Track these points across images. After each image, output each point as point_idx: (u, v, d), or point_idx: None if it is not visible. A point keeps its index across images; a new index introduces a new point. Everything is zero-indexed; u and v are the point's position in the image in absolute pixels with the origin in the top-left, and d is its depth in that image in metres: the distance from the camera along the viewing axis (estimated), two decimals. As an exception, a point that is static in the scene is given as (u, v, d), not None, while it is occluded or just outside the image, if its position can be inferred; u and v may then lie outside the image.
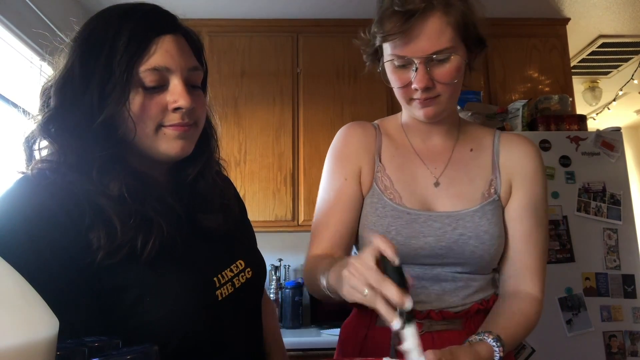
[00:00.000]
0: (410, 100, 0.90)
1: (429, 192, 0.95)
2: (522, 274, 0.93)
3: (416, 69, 0.84)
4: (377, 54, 0.93)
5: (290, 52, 2.75)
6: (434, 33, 0.83)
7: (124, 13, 0.70)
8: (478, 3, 0.89)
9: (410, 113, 0.95)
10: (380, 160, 0.98)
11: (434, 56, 0.84)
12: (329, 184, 0.98)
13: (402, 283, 0.61)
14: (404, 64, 0.86)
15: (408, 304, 0.60)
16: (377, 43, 0.89)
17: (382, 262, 0.64)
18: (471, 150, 0.99)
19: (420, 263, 0.92)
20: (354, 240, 0.98)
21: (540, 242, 0.95)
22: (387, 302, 0.61)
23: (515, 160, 0.97)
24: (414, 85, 0.86)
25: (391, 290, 0.60)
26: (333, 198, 0.96)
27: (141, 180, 0.70)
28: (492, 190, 0.95)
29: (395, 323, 0.60)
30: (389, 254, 0.64)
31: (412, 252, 0.91)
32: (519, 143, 0.98)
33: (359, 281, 0.63)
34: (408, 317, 0.60)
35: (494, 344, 0.77)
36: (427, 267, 0.92)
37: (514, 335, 0.83)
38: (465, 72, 0.92)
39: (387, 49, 0.87)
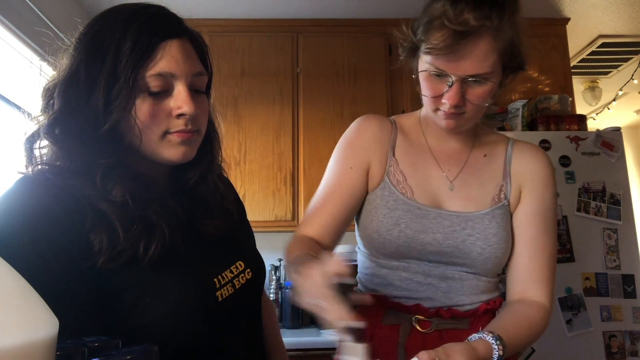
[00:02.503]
0: (436, 109, 0.90)
1: (441, 192, 0.96)
2: (529, 281, 0.93)
3: (451, 84, 0.84)
4: (415, 51, 0.92)
5: (290, 52, 2.74)
6: (479, 57, 0.82)
7: (130, 15, 0.68)
8: (527, 27, 0.89)
9: (432, 118, 0.95)
10: (394, 155, 0.98)
11: (473, 78, 0.84)
12: (334, 170, 0.98)
13: (347, 299, 0.63)
14: (440, 74, 0.86)
15: (357, 325, 0.61)
16: (421, 54, 0.88)
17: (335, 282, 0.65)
18: (485, 155, 1.00)
19: (426, 259, 0.93)
20: (346, 228, 0.96)
21: (548, 250, 0.94)
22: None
23: (526, 167, 0.98)
24: (444, 99, 0.86)
25: (338, 310, 0.62)
26: (334, 184, 0.96)
27: (144, 184, 0.70)
28: (502, 196, 0.96)
29: (347, 342, 0.61)
30: (340, 271, 0.64)
31: (420, 247, 0.91)
32: (530, 151, 1.00)
33: (315, 295, 0.65)
34: (356, 334, 0.61)
35: (493, 341, 0.76)
36: (433, 264, 0.93)
37: (515, 337, 0.82)
38: (496, 92, 0.92)
39: (428, 57, 0.86)
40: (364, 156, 0.97)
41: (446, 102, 0.86)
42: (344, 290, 0.64)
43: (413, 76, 0.93)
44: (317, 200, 0.96)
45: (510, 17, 0.85)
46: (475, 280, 0.93)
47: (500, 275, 0.99)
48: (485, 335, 0.77)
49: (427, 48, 0.84)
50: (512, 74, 0.92)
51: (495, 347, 0.76)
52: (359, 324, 0.61)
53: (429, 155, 0.99)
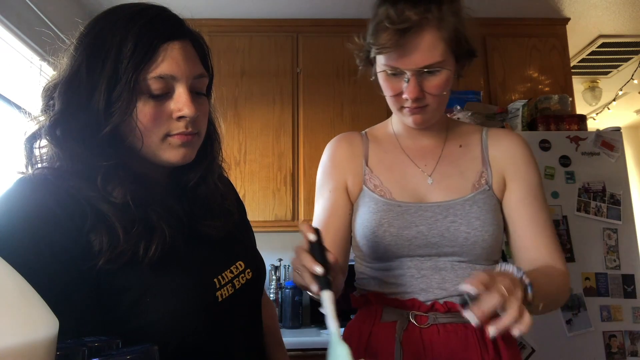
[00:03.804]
0: (401, 107, 0.94)
1: (421, 188, 0.98)
2: (542, 255, 0.94)
3: (408, 80, 0.88)
4: (371, 59, 0.96)
5: (290, 52, 2.75)
6: (427, 47, 0.86)
7: (131, 17, 0.68)
8: (470, 17, 0.92)
9: (400, 119, 1.00)
10: (367, 165, 1.03)
11: (425, 69, 0.87)
12: (319, 198, 1.05)
13: (320, 256, 0.72)
14: (396, 73, 0.90)
15: (317, 269, 0.69)
16: (372, 55, 0.93)
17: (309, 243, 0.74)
18: (460, 146, 1.03)
19: (417, 254, 0.94)
20: (349, 244, 1.03)
21: (548, 224, 0.96)
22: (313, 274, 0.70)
23: (504, 152, 1.00)
24: (404, 95, 0.90)
25: (305, 259, 0.71)
26: (323, 210, 1.02)
27: (144, 185, 0.70)
28: (483, 181, 0.98)
29: (313, 287, 0.69)
30: (303, 229, 0.74)
31: (406, 242, 0.93)
32: (505, 136, 1.02)
33: (295, 262, 0.75)
34: (322, 283, 0.69)
35: (514, 269, 0.76)
36: (424, 257, 0.94)
37: (541, 280, 0.80)
38: (454, 80, 0.95)
39: (381, 59, 0.91)
40: (338, 176, 1.03)
41: (407, 98, 0.89)
42: (311, 246, 0.73)
43: (371, 79, 0.98)
44: None
45: (450, 6, 0.88)
46: (469, 269, 0.94)
47: (496, 263, 0.99)
48: (507, 267, 0.77)
49: (377, 49, 0.88)
50: (466, 62, 0.95)
51: (521, 275, 0.74)
52: (319, 270, 0.69)
53: (404, 155, 1.03)
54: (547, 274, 0.87)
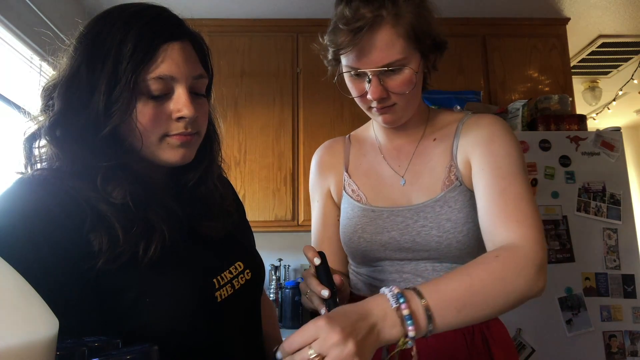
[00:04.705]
0: (369, 108, 0.91)
1: (394, 190, 0.96)
2: (493, 224, 0.80)
3: (369, 80, 0.85)
4: (336, 60, 0.93)
5: (290, 52, 2.75)
6: (384, 46, 0.82)
7: (130, 17, 0.68)
8: (433, 10, 0.88)
9: (372, 119, 0.98)
10: (347, 170, 1.03)
11: (386, 68, 0.84)
12: (312, 210, 1.08)
13: (326, 279, 0.76)
14: (359, 74, 0.86)
15: (324, 293, 0.73)
16: (330, 56, 0.90)
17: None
18: (434, 140, 0.97)
19: (395, 258, 0.93)
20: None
21: (511, 191, 0.81)
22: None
23: (471, 137, 0.91)
24: (368, 96, 0.87)
25: (312, 283, 0.75)
26: (315, 222, 1.06)
27: (144, 186, 0.70)
28: (453, 177, 0.91)
29: (322, 310, 0.73)
30: (308, 255, 0.77)
31: (381, 248, 0.92)
32: (477, 120, 0.94)
33: (303, 287, 0.79)
34: (330, 305, 0.74)
35: (391, 297, 0.64)
36: (404, 262, 0.93)
37: (444, 291, 0.67)
38: (427, 74, 0.93)
39: (344, 60, 0.88)
40: (322, 187, 1.05)
41: (371, 99, 0.87)
42: (318, 270, 0.77)
43: (333, 81, 0.95)
44: (312, 241, 1.05)
45: (407, 1, 0.84)
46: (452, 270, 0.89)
47: None
48: (388, 292, 0.65)
49: (333, 49, 0.86)
50: (437, 55, 0.91)
51: (390, 296, 0.63)
52: (325, 293, 0.73)
53: (380, 157, 1.01)
54: (467, 274, 0.69)
